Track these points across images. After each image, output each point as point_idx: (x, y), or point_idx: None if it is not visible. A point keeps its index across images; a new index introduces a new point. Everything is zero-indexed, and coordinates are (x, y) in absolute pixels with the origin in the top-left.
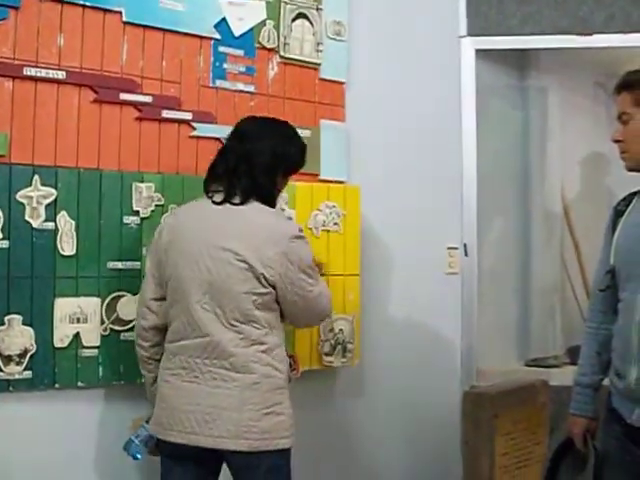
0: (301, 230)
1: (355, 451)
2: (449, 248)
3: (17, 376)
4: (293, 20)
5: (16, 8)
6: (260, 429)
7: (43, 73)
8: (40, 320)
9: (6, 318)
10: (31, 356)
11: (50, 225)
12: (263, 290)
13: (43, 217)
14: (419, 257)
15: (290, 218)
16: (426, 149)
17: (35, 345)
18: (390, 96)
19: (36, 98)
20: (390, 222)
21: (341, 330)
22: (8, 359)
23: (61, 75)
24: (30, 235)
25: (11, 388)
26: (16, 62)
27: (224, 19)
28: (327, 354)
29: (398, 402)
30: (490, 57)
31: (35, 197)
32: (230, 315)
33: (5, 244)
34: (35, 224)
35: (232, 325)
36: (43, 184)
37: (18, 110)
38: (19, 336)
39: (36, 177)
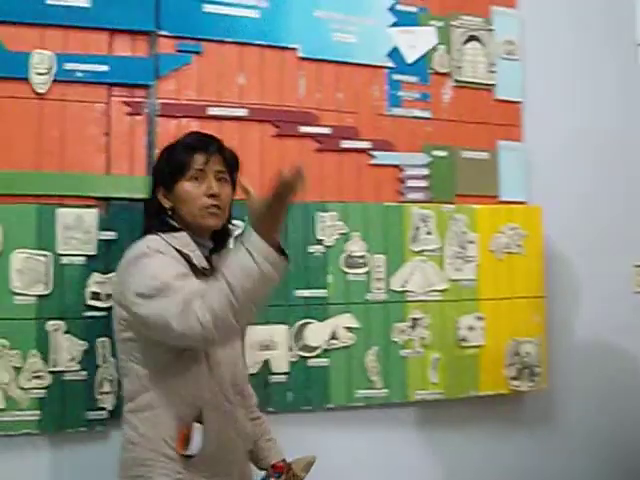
0: (145, 251)
1: (547, 477)
2: (636, 266)
3: None
4: (464, 43)
5: (198, 53)
6: None
7: (226, 112)
8: None
9: None
10: None
11: None
12: (125, 335)
13: None
14: (605, 276)
15: (157, 240)
16: (610, 165)
17: None
18: (568, 112)
19: (220, 136)
20: (574, 241)
21: (527, 353)
22: None
23: (243, 112)
24: None
25: None
26: (200, 103)
27: (396, 48)
28: (514, 378)
29: (591, 426)
30: None
31: None
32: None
33: None
34: None
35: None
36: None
37: None
38: None
39: None
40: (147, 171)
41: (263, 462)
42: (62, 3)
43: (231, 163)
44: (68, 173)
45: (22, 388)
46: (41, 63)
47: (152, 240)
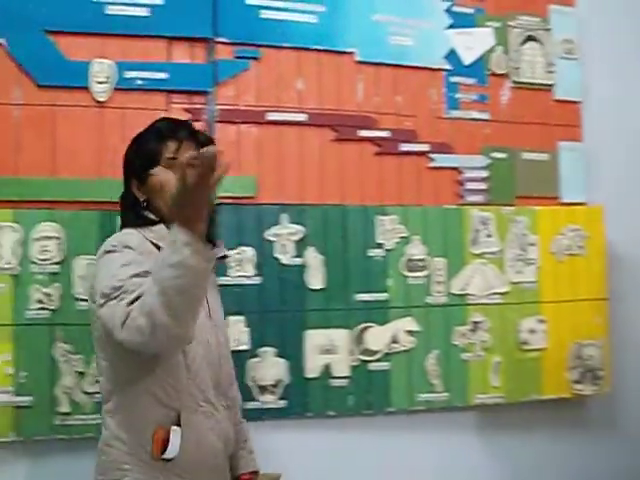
0: (113, 245)
1: None
2: None
3: (271, 405)
4: (522, 43)
5: (257, 59)
6: None
7: (285, 117)
8: (292, 351)
9: (260, 350)
10: (284, 386)
11: (299, 261)
12: (97, 333)
13: (292, 253)
14: None
15: (131, 234)
16: None
17: (288, 375)
18: (628, 111)
19: (279, 141)
20: (636, 242)
21: (590, 356)
22: (263, 389)
23: (302, 117)
24: (281, 271)
25: (264, 417)
26: (259, 108)
27: (453, 50)
28: (576, 382)
29: None
30: None
31: (284, 234)
32: None
33: (258, 280)
34: (285, 260)
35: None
36: (291, 222)
37: (264, 153)
38: (273, 367)
39: (284, 215)
40: None
41: (233, 471)
42: (121, 12)
43: None
44: None
45: (86, 392)
46: (101, 72)
47: (123, 235)
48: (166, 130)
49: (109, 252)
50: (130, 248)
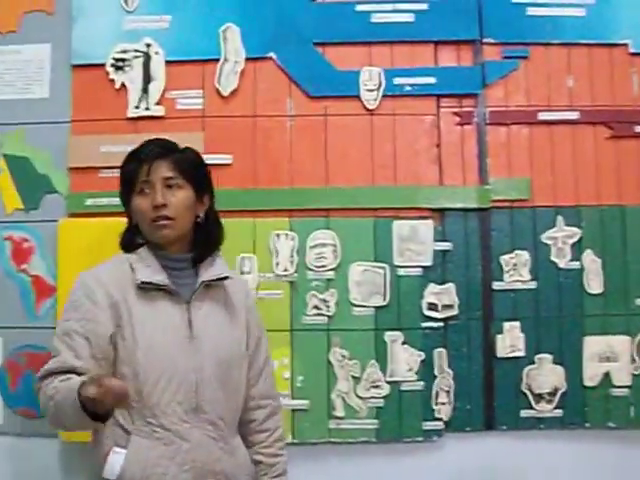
0: (80, 281)
1: None
2: None
3: (547, 414)
4: None
5: (525, 57)
6: None
7: (557, 116)
8: (569, 359)
9: (537, 357)
10: (561, 394)
11: (576, 264)
12: None
13: (569, 257)
14: None
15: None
16: None
17: (565, 384)
18: None
19: (552, 141)
20: None
21: None
22: (539, 397)
23: (574, 116)
24: (557, 275)
25: (542, 426)
26: (530, 108)
27: None
28: None
29: None
30: None
31: (560, 237)
32: None
33: (533, 285)
34: (561, 264)
35: None
36: (567, 224)
37: (536, 154)
38: (550, 374)
39: (559, 218)
40: (480, 181)
41: None
42: (387, 20)
43: (184, 166)
44: (402, 186)
45: (360, 397)
46: (370, 80)
47: (93, 271)
48: (136, 153)
49: (73, 288)
50: (85, 290)
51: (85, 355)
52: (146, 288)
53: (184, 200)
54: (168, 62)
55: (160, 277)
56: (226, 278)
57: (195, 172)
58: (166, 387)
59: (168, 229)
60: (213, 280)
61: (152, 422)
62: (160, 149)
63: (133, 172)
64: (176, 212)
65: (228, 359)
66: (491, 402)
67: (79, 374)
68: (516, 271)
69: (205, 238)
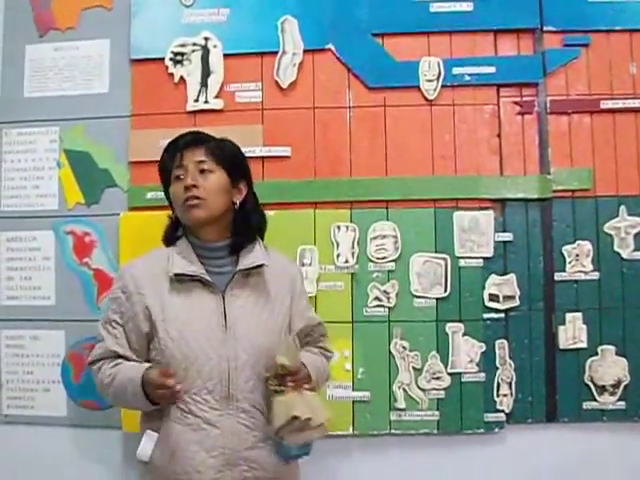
0: (120, 275)
1: None
2: None
3: (610, 406)
4: None
5: (586, 45)
6: None
7: (619, 104)
8: (633, 350)
9: (599, 348)
10: (624, 386)
11: (639, 255)
12: None
13: (632, 247)
14: None
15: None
16: None
17: (628, 375)
18: None
19: (615, 129)
20: None
21: None
22: (602, 389)
23: (637, 103)
24: (620, 265)
25: (604, 418)
26: (592, 97)
27: None
28: None
29: None
30: None
31: (622, 227)
32: None
33: (595, 275)
34: (624, 254)
35: None
36: (630, 214)
37: (599, 143)
38: (612, 366)
39: (622, 207)
40: (541, 171)
41: None
42: (446, 9)
43: (216, 152)
44: (462, 176)
45: (422, 389)
46: (429, 70)
47: (131, 265)
48: (169, 145)
49: (115, 279)
50: (121, 286)
51: (124, 343)
52: (181, 279)
53: (215, 183)
54: (226, 55)
55: (194, 268)
56: (261, 266)
57: (228, 158)
58: (197, 376)
59: (198, 209)
60: (249, 269)
61: (183, 408)
62: (189, 137)
63: (168, 162)
64: (207, 193)
65: (265, 348)
66: (553, 394)
67: (122, 357)
68: (578, 262)
69: (243, 225)
